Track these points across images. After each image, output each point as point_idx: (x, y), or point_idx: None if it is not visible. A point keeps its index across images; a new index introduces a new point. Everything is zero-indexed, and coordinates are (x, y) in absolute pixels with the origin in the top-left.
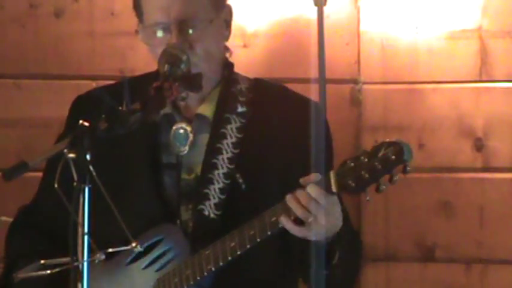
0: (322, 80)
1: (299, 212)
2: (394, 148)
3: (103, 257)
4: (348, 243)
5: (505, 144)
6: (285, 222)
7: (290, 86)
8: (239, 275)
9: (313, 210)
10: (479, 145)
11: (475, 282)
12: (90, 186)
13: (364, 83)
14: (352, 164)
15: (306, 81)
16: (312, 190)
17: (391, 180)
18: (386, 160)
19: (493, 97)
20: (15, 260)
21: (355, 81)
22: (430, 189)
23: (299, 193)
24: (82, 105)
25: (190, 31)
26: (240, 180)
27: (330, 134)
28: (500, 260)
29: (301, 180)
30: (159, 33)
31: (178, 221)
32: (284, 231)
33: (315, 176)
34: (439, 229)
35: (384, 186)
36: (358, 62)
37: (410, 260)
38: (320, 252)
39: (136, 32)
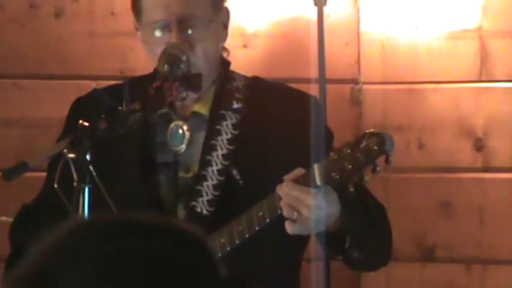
0: (322, 80)
1: (284, 210)
2: (375, 138)
3: None
4: (360, 224)
5: (505, 144)
6: (287, 225)
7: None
8: (232, 269)
9: (296, 207)
10: (479, 145)
11: (475, 282)
12: (90, 186)
13: (364, 83)
14: (336, 156)
15: (306, 81)
16: (289, 187)
17: (374, 170)
18: (369, 150)
19: (493, 97)
20: (17, 256)
21: (355, 81)
22: (430, 189)
23: (280, 190)
24: (82, 107)
25: (190, 31)
26: (238, 177)
27: (328, 129)
28: (500, 260)
29: (285, 177)
30: (157, 33)
31: (174, 219)
32: (276, 222)
33: (298, 172)
34: (439, 229)
35: (368, 177)
36: (358, 62)
37: (410, 260)
38: (320, 241)
39: (137, 29)
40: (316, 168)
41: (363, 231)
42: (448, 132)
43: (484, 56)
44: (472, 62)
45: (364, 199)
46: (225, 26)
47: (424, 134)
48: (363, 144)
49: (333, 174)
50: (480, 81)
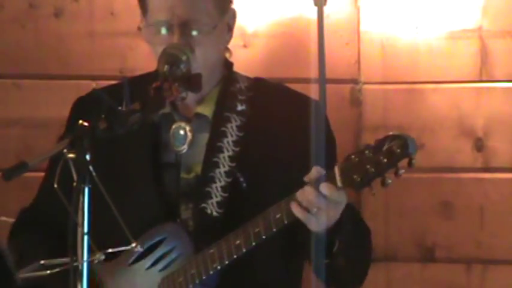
0: (322, 80)
1: (299, 215)
2: (398, 141)
3: (103, 257)
4: (350, 233)
5: (505, 144)
6: (294, 207)
7: (290, 86)
8: (245, 273)
9: (323, 206)
10: (479, 145)
11: (475, 282)
12: (90, 186)
13: (364, 83)
14: (357, 159)
15: (306, 81)
16: (325, 188)
17: (396, 173)
18: (392, 153)
19: (493, 97)
20: (16, 260)
21: (355, 81)
22: (430, 189)
23: (308, 191)
24: (83, 106)
25: (192, 34)
26: (241, 179)
27: (331, 131)
28: (500, 260)
29: (306, 178)
30: (160, 33)
31: (178, 220)
32: (290, 228)
33: (316, 171)
34: (439, 229)
35: (390, 180)
36: (358, 62)
37: (410, 260)
38: (320, 242)
39: (139, 28)
40: (337, 170)
41: (352, 239)
42: (448, 132)
43: (484, 56)
44: (472, 62)
45: (354, 214)
46: (230, 28)
47: (424, 134)
48: (385, 147)
49: (355, 176)
50: (480, 81)
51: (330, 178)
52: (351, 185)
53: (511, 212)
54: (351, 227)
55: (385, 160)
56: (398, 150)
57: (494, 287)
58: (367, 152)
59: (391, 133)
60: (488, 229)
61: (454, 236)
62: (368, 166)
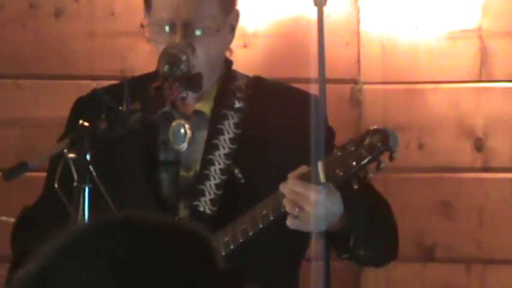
0: (322, 80)
1: (287, 206)
2: (379, 135)
3: None
4: (366, 223)
5: (505, 144)
6: (288, 220)
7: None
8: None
9: (298, 203)
10: (479, 145)
11: (475, 282)
12: (90, 186)
13: (364, 83)
14: (340, 153)
15: (306, 81)
16: (292, 183)
17: (378, 167)
18: (373, 147)
19: (493, 97)
20: (19, 258)
21: (355, 81)
22: (430, 189)
23: (283, 187)
24: (83, 106)
25: (195, 35)
26: (239, 175)
27: (329, 127)
28: (500, 260)
29: (289, 174)
30: (163, 32)
31: (176, 219)
32: (281, 226)
33: (302, 169)
34: (439, 229)
35: (372, 174)
36: (358, 62)
37: (410, 260)
38: (320, 240)
39: (142, 26)
40: (320, 165)
41: (367, 229)
42: (448, 132)
43: (484, 56)
44: (472, 62)
45: (368, 196)
46: (233, 28)
47: (424, 134)
48: (366, 141)
49: (337, 171)
50: (480, 81)
51: (313, 173)
52: (334, 180)
53: (511, 212)
54: (364, 216)
55: (367, 154)
56: (379, 144)
57: (494, 287)
58: (349, 146)
59: (373, 127)
60: (488, 229)
61: (454, 236)
62: (350, 160)
